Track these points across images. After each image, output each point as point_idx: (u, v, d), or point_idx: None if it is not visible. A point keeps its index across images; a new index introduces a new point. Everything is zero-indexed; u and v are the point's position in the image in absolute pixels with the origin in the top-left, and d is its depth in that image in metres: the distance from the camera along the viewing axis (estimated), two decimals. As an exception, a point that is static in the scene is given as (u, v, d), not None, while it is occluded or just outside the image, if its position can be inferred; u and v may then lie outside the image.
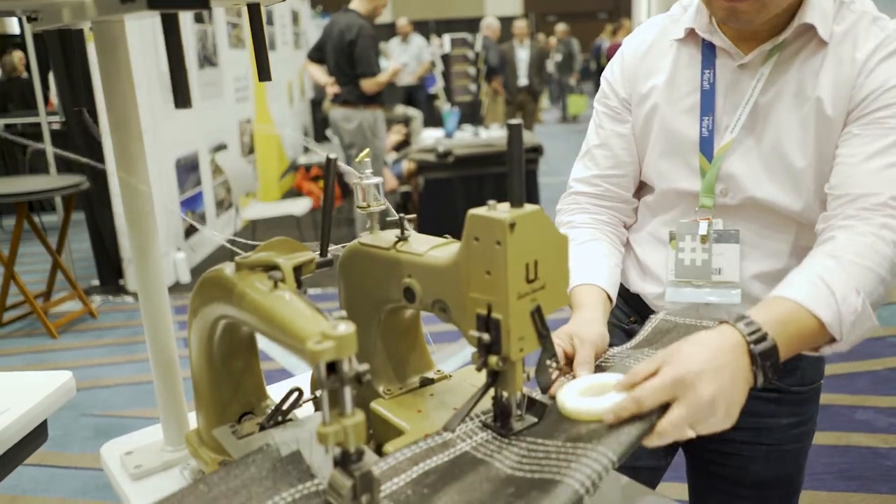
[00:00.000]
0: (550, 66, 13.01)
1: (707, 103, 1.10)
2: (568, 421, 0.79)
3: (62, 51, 1.05)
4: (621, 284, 1.29)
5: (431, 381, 0.97)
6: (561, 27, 13.48)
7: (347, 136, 4.94)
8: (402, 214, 0.88)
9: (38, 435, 1.22)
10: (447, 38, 6.47)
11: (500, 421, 0.80)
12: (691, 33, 1.12)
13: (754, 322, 0.82)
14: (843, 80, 1.00)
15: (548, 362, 0.83)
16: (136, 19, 0.93)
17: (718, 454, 1.23)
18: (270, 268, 0.81)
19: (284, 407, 0.90)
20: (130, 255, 1.07)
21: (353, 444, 0.62)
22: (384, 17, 5.38)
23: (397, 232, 0.88)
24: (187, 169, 5.26)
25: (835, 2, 1.03)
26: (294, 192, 7.43)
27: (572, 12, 19.33)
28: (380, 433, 0.91)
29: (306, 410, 0.99)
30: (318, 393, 0.96)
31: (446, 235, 0.87)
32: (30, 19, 0.97)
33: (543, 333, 0.77)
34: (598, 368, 0.94)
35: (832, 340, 0.88)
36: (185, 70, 0.76)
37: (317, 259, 0.86)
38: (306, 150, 8.05)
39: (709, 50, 1.11)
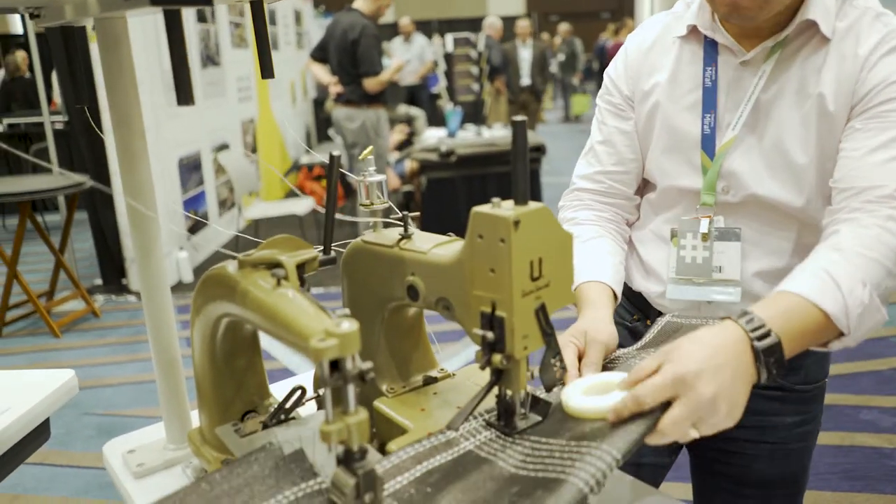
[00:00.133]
0: (554, 67, 13.00)
1: (709, 100, 1.10)
2: (572, 419, 0.79)
3: (65, 49, 1.05)
4: (624, 283, 1.28)
5: (435, 380, 0.97)
6: (564, 27, 13.47)
7: (350, 135, 4.94)
8: (405, 212, 0.88)
9: (40, 433, 1.22)
10: (450, 37, 6.47)
11: (504, 419, 0.80)
12: (694, 30, 1.12)
13: (757, 318, 0.81)
14: (845, 75, 1.00)
15: (552, 361, 0.83)
16: (139, 16, 0.92)
17: (723, 453, 1.23)
18: (273, 265, 0.80)
19: (287, 405, 0.90)
20: (133, 255, 1.07)
21: (356, 442, 0.62)
22: (386, 17, 5.37)
23: (401, 230, 0.88)
24: (190, 168, 5.26)
25: None
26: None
27: (575, 12, 19.32)
28: (383, 432, 0.91)
29: (309, 409, 0.99)
30: (321, 391, 0.96)
31: (450, 234, 0.87)
32: (32, 16, 0.97)
33: (548, 331, 0.76)
34: (604, 368, 0.93)
35: (840, 335, 0.87)
36: (188, 67, 0.75)
37: (320, 257, 0.86)
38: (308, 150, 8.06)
39: (711, 47, 1.10)
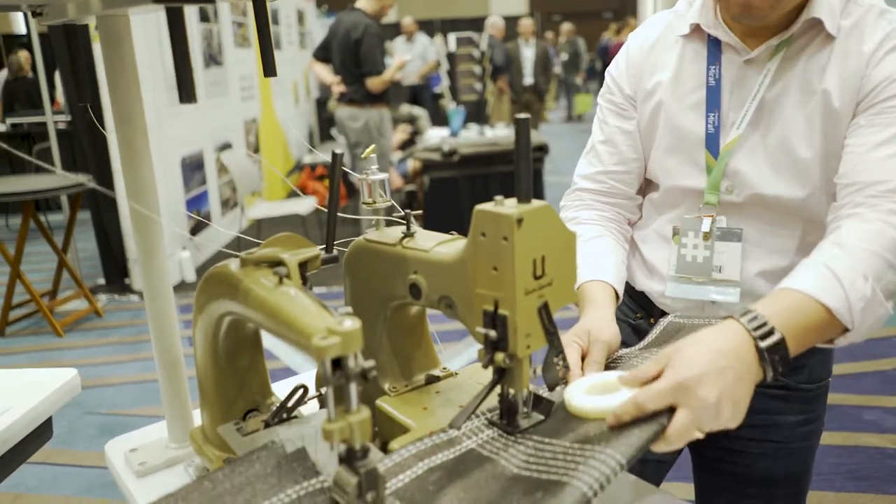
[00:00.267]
0: (557, 66, 13.00)
1: (713, 99, 1.09)
2: (574, 419, 0.78)
3: (67, 47, 1.05)
4: (627, 282, 1.28)
5: (437, 379, 0.97)
6: (567, 26, 13.46)
7: (353, 135, 4.94)
8: (407, 210, 0.88)
9: (42, 432, 1.22)
10: (452, 37, 6.47)
11: (507, 418, 0.79)
12: (696, 29, 1.12)
13: (760, 316, 0.81)
14: (849, 72, 1.00)
15: (555, 359, 0.83)
16: (141, 14, 0.92)
17: (725, 451, 1.22)
18: (275, 264, 0.80)
19: (289, 404, 0.90)
20: (136, 255, 1.07)
21: (359, 441, 0.62)
22: (388, 17, 5.37)
23: (403, 228, 0.87)
24: (192, 168, 5.27)
25: None
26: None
27: (577, 11, 19.30)
28: (385, 431, 0.90)
29: (311, 408, 0.98)
30: (323, 390, 0.96)
31: (452, 232, 0.86)
32: (35, 14, 0.97)
33: (551, 330, 0.76)
34: (607, 368, 0.93)
35: (846, 330, 0.86)
36: (190, 65, 0.75)
37: (322, 255, 0.86)
38: (311, 149, 8.06)
39: (714, 46, 1.10)
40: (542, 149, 5.44)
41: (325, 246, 0.88)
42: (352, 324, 0.59)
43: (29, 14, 1.01)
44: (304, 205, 5.36)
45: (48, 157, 5.25)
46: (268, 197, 6.79)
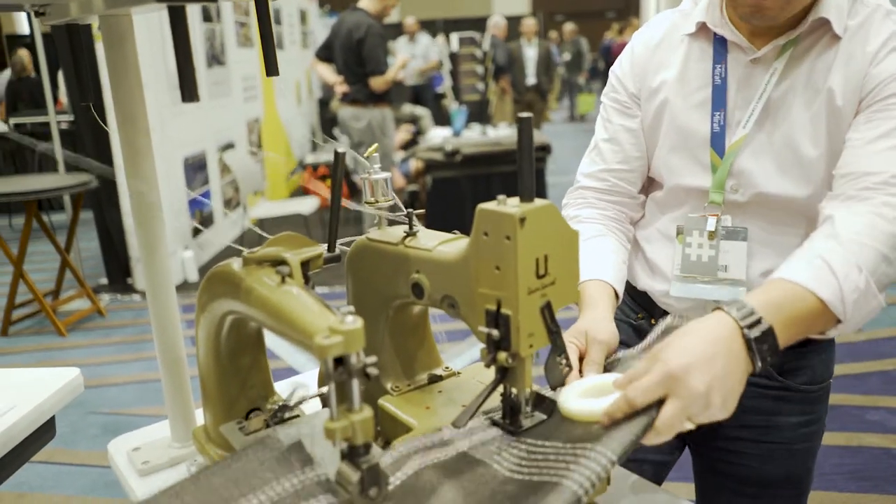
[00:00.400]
0: (562, 67, 13.01)
1: (718, 98, 1.09)
2: (568, 422, 0.78)
3: (70, 47, 1.05)
4: (629, 281, 1.28)
5: (440, 378, 0.97)
6: (569, 26, 13.46)
7: (356, 134, 4.94)
8: (410, 209, 0.87)
9: (45, 431, 1.22)
10: (455, 36, 6.47)
11: (510, 418, 0.79)
12: (702, 28, 1.11)
13: (747, 306, 0.80)
14: (853, 72, 1.00)
15: (557, 359, 0.83)
16: (144, 13, 0.92)
17: (726, 453, 1.22)
18: (278, 263, 0.80)
19: (291, 404, 0.90)
20: (138, 254, 1.07)
21: (361, 439, 0.62)
22: (391, 17, 5.38)
23: (406, 227, 0.87)
24: (195, 168, 5.27)
25: None
26: (302, 191, 7.45)
27: (580, 11, 19.29)
28: (388, 430, 0.90)
29: (314, 407, 0.98)
30: (323, 390, 0.96)
31: (455, 231, 0.86)
32: (38, 14, 0.97)
33: (553, 329, 0.76)
34: (605, 370, 0.93)
35: (837, 322, 0.86)
36: (193, 64, 0.75)
37: (325, 254, 0.86)
38: (314, 149, 8.07)
39: (720, 44, 1.10)
40: (545, 149, 5.44)
41: (327, 245, 0.88)
42: (354, 322, 0.59)
43: (32, 14, 1.01)
44: (307, 204, 5.37)
45: (51, 157, 5.25)
46: (270, 196, 6.80)
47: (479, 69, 6.33)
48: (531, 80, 9.44)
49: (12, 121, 7.06)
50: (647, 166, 1.21)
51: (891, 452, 2.58)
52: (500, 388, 0.79)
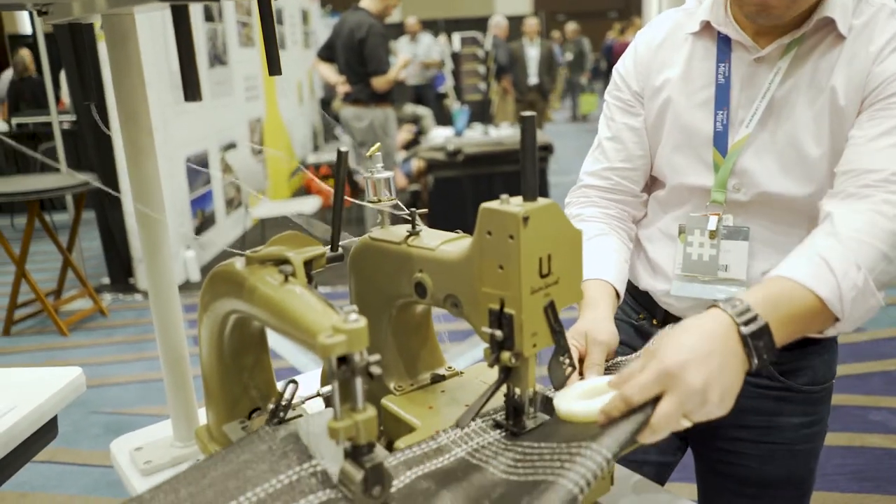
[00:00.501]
0: (564, 66, 13.00)
1: (722, 97, 1.09)
2: (564, 423, 0.78)
3: (73, 46, 1.05)
4: (630, 281, 1.28)
5: (443, 378, 0.96)
6: (571, 26, 13.45)
7: (359, 134, 4.94)
8: (413, 209, 0.87)
9: (47, 431, 1.22)
10: (457, 36, 6.47)
11: (513, 418, 0.79)
12: (707, 26, 1.11)
13: (743, 302, 0.80)
14: (856, 71, 0.99)
15: (561, 358, 0.82)
16: (146, 12, 0.92)
17: (728, 453, 1.22)
18: (281, 262, 0.80)
19: (283, 402, 0.89)
20: (141, 254, 1.07)
21: (364, 439, 0.62)
22: (392, 16, 5.38)
23: (408, 227, 0.87)
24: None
25: None
26: (304, 191, 7.46)
27: (582, 11, 19.27)
28: (391, 430, 0.90)
29: (317, 406, 0.98)
30: (322, 390, 0.96)
31: (458, 230, 0.86)
32: (40, 13, 0.97)
33: (557, 329, 0.76)
34: (607, 372, 0.92)
35: (835, 320, 0.85)
36: (196, 63, 0.75)
37: (327, 253, 0.86)
38: (316, 149, 8.07)
39: (724, 43, 1.09)
40: (547, 148, 5.44)
41: (330, 245, 0.88)
42: (357, 322, 0.59)
43: (34, 13, 1.01)
44: (309, 204, 5.37)
45: (53, 156, 5.26)
46: (272, 196, 6.80)
47: (481, 69, 6.33)
48: (533, 79, 9.43)
49: (14, 121, 7.07)
50: (650, 165, 1.21)
51: (893, 453, 2.58)
52: (504, 389, 0.79)
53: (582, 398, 0.79)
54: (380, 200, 0.91)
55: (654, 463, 1.27)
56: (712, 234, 1.12)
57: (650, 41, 1.18)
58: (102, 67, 4.04)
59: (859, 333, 3.49)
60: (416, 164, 5.67)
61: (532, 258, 0.71)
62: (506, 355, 0.74)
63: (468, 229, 0.76)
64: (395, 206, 0.93)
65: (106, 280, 4.99)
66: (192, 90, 0.73)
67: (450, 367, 0.99)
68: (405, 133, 7.00)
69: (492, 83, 6.57)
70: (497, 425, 0.80)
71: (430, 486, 0.70)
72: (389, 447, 0.87)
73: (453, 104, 6.35)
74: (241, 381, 0.95)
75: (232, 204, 5.98)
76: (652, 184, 1.25)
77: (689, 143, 1.13)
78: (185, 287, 4.72)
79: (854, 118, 1.00)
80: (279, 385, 1.02)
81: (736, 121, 1.09)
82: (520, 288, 0.71)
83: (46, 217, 4.27)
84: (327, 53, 5.04)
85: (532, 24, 9.65)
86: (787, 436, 1.18)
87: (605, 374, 0.91)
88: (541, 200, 0.72)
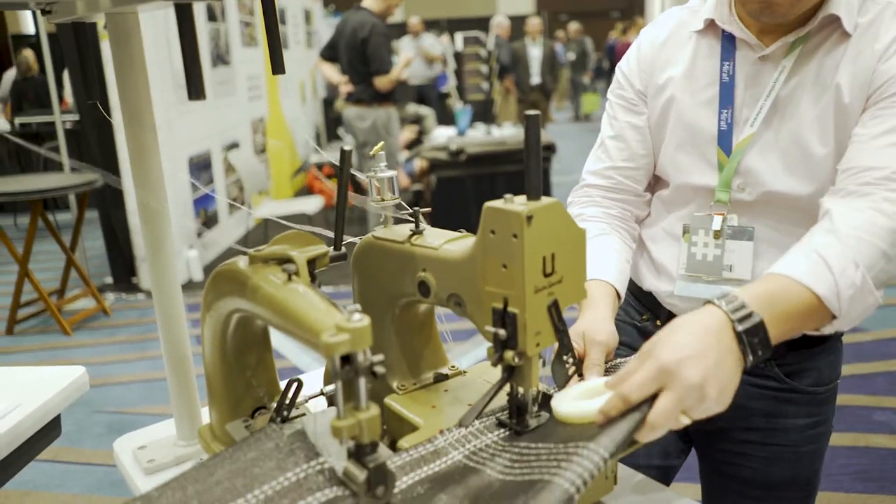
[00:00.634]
0: (566, 68, 13.01)
1: (726, 96, 1.09)
2: (562, 425, 0.77)
3: (76, 45, 1.05)
4: (634, 282, 1.27)
5: (446, 377, 0.96)
6: (574, 26, 13.45)
7: (361, 134, 4.94)
8: (416, 208, 0.87)
9: (51, 430, 1.22)
10: (459, 36, 6.47)
11: (516, 417, 0.79)
12: (711, 24, 1.11)
13: (737, 299, 0.79)
14: (861, 69, 0.99)
15: (564, 357, 0.82)
16: (150, 11, 0.92)
17: (733, 455, 1.21)
18: (284, 261, 0.80)
19: (287, 400, 0.89)
20: (144, 253, 1.07)
21: (368, 438, 0.62)
22: (395, 16, 5.39)
23: (412, 226, 0.87)
24: (200, 167, 5.28)
25: None
26: (306, 191, 7.46)
27: (585, 11, 19.26)
28: (394, 429, 0.90)
29: (320, 405, 0.98)
30: (326, 389, 0.96)
31: (461, 230, 0.86)
32: (44, 12, 0.97)
33: (560, 328, 0.75)
34: (606, 372, 0.92)
35: (833, 318, 0.85)
36: (199, 61, 0.75)
37: (330, 252, 0.86)
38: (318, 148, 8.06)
39: (728, 41, 1.09)
40: (550, 148, 5.43)
41: (333, 244, 0.88)
42: (361, 320, 0.59)
43: (38, 13, 1.01)
44: (311, 204, 5.37)
45: (57, 156, 5.27)
46: (275, 196, 6.80)
47: (484, 69, 6.33)
48: (536, 79, 9.43)
49: (17, 120, 7.08)
50: (653, 164, 1.21)
51: (897, 453, 2.57)
52: (507, 388, 0.78)
53: (579, 399, 0.79)
54: (383, 200, 0.91)
55: (657, 467, 1.27)
56: (717, 234, 1.12)
57: (654, 39, 1.18)
58: (105, 67, 4.05)
59: (863, 334, 3.48)
60: (418, 164, 5.67)
61: (536, 257, 0.71)
62: (509, 354, 0.74)
63: (471, 230, 0.75)
64: (398, 206, 0.93)
65: (109, 279, 4.99)
66: (195, 88, 0.73)
67: (453, 367, 0.98)
68: (408, 133, 7.00)
69: (494, 83, 6.57)
70: (500, 424, 0.80)
71: (426, 489, 0.70)
72: (393, 446, 0.87)
73: (456, 104, 6.35)
74: (244, 380, 0.95)
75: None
76: (655, 183, 1.24)
77: (692, 141, 1.13)
78: (188, 286, 4.73)
79: (858, 116, 0.99)
80: (283, 385, 1.02)
81: (740, 120, 1.09)
82: (523, 287, 0.71)
83: (49, 216, 4.27)
84: (330, 53, 5.04)
85: (534, 23, 9.65)
86: (792, 437, 1.17)
87: (605, 374, 0.91)
88: (544, 199, 0.71)
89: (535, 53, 9.43)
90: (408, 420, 0.87)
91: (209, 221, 5.48)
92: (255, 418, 0.96)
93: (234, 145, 5.90)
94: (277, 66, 0.96)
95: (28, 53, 7.61)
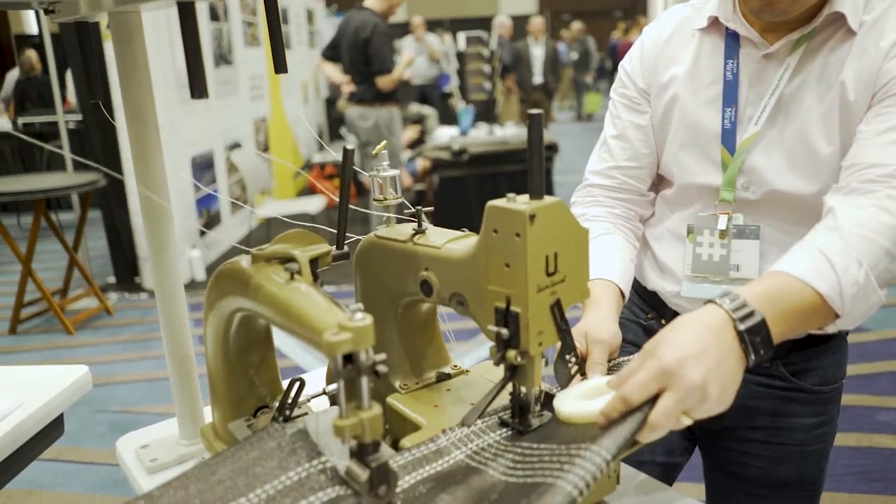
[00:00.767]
0: (569, 68, 13.00)
1: (730, 94, 1.08)
2: (564, 425, 0.77)
3: (79, 44, 1.05)
4: (638, 281, 1.27)
5: (448, 376, 0.96)
6: (576, 25, 13.44)
7: (364, 134, 4.95)
8: (418, 207, 0.87)
9: (54, 429, 1.23)
10: (462, 35, 6.47)
11: (519, 417, 0.79)
12: (714, 22, 1.10)
13: (739, 297, 0.79)
14: (866, 66, 0.98)
15: (567, 357, 0.82)
16: (153, 10, 0.92)
17: (737, 454, 1.21)
18: (286, 260, 0.80)
19: (289, 399, 0.89)
20: (146, 253, 1.07)
21: (370, 437, 0.61)
22: (398, 16, 5.38)
23: (414, 225, 0.87)
24: (202, 167, 5.28)
25: None
26: (309, 191, 7.46)
27: (587, 10, 19.23)
28: (396, 428, 0.90)
29: (323, 406, 0.98)
30: (328, 388, 0.95)
31: (464, 229, 0.86)
32: (47, 12, 0.98)
33: (563, 327, 0.75)
34: (610, 371, 0.92)
35: (836, 316, 0.84)
36: (202, 60, 0.75)
37: (333, 252, 0.85)
38: (321, 148, 8.08)
39: (732, 39, 1.08)
40: (552, 148, 5.43)
41: (336, 243, 0.88)
42: (363, 319, 0.59)
43: (41, 12, 1.02)
44: (314, 204, 5.37)
45: (59, 156, 5.28)
46: (277, 196, 6.81)
47: (487, 68, 6.32)
48: (538, 79, 9.42)
49: (21, 120, 7.09)
50: (656, 163, 1.20)
51: (901, 453, 2.56)
52: (509, 387, 0.78)
53: (582, 399, 0.79)
54: (386, 199, 0.91)
55: (661, 464, 1.27)
56: (722, 234, 1.11)
57: (657, 37, 1.17)
58: (108, 67, 4.06)
59: (867, 334, 3.47)
60: (421, 164, 5.67)
61: (538, 256, 0.71)
62: (512, 354, 0.74)
63: (473, 229, 0.75)
64: (401, 205, 0.93)
65: (112, 279, 5.00)
66: (198, 87, 0.73)
67: (455, 366, 0.98)
68: (410, 132, 7.00)
69: (497, 83, 6.56)
70: (503, 424, 0.80)
71: (428, 489, 0.70)
72: (395, 446, 0.87)
73: (458, 103, 6.35)
74: (247, 379, 0.95)
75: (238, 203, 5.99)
76: (659, 182, 1.24)
77: (696, 140, 1.12)
78: (191, 286, 4.73)
79: (863, 114, 0.99)
80: (285, 384, 1.02)
81: (744, 118, 1.08)
82: (526, 286, 0.70)
83: (52, 216, 4.28)
84: (332, 53, 5.04)
85: (537, 23, 9.64)
86: (798, 436, 1.17)
87: (608, 373, 0.91)
88: (547, 198, 0.71)
89: (537, 53, 9.42)
90: (410, 419, 0.87)
91: (212, 221, 5.48)
92: (258, 417, 0.96)
93: (236, 145, 5.91)
94: (280, 66, 0.96)
95: (31, 53, 7.62)
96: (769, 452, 1.18)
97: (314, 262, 0.82)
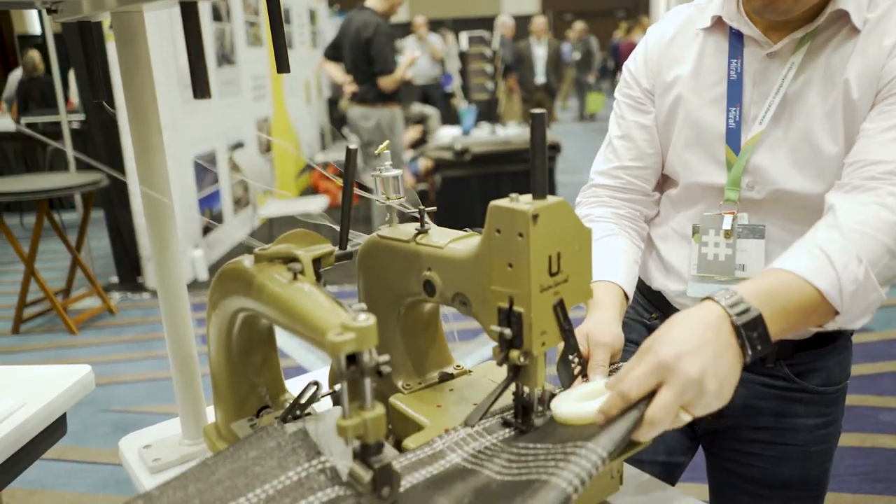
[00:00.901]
0: (571, 68, 13.00)
1: (734, 93, 1.08)
2: (562, 425, 0.77)
3: (82, 44, 1.05)
4: (643, 281, 1.27)
5: (451, 377, 0.96)
6: (579, 25, 13.43)
7: (366, 134, 4.95)
8: (421, 207, 0.87)
9: (57, 428, 1.23)
10: (464, 35, 6.47)
11: (522, 417, 0.79)
12: (718, 22, 1.10)
13: (736, 294, 0.79)
14: (869, 65, 0.98)
15: (570, 357, 0.82)
16: (155, 10, 0.92)
17: (741, 454, 1.21)
18: (289, 260, 0.80)
19: (303, 401, 0.89)
20: (149, 253, 1.07)
21: (373, 437, 0.61)
22: (400, 16, 5.39)
23: (417, 225, 0.87)
24: (204, 167, 5.28)
25: None
26: (311, 190, 7.47)
27: (589, 10, 19.22)
28: (399, 428, 0.90)
29: (325, 406, 0.98)
30: (337, 387, 0.95)
31: (466, 229, 0.86)
32: (50, 11, 0.98)
33: (566, 328, 0.75)
34: (611, 374, 0.91)
35: (835, 314, 0.84)
36: (204, 60, 0.75)
37: (336, 252, 0.85)
38: (323, 148, 8.08)
39: (736, 39, 1.08)
40: (555, 147, 5.43)
41: (339, 243, 0.88)
42: (366, 319, 0.59)
43: (44, 12, 1.02)
44: (316, 203, 5.38)
45: (62, 156, 5.29)
46: (280, 196, 6.81)
47: (489, 68, 6.33)
48: (540, 78, 9.42)
49: (24, 120, 7.10)
50: (661, 163, 1.20)
51: (904, 453, 2.56)
52: (512, 387, 0.78)
53: (580, 401, 0.79)
54: (389, 198, 0.91)
55: (661, 463, 1.26)
56: (727, 234, 1.11)
57: (661, 37, 1.17)
58: (111, 67, 4.06)
59: (870, 334, 3.47)
60: (423, 164, 5.67)
61: (541, 256, 0.71)
62: (515, 354, 0.74)
63: (476, 229, 0.75)
64: (403, 205, 0.93)
65: (114, 279, 5.01)
66: (201, 87, 0.73)
67: (458, 366, 0.98)
68: (413, 132, 7.00)
69: (499, 82, 6.57)
70: (505, 424, 0.80)
71: (423, 491, 0.70)
72: (398, 446, 0.87)
73: (461, 103, 6.35)
74: (250, 379, 0.95)
75: (240, 203, 5.99)
76: (664, 182, 1.24)
77: (700, 140, 1.12)
78: (194, 286, 4.74)
79: (867, 112, 0.99)
80: (289, 384, 1.02)
81: (748, 117, 1.08)
82: (529, 286, 0.70)
83: (55, 216, 4.29)
84: (334, 53, 5.04)
85: (539, 23, 9.64)
86: (801, 437, 1.17)
87: (610, 376, 0.90)
88: (550, 198, 0.71)
89: (539, 53, 9.42)
90: (413, 419, 0.87)
91: (214, 221, 5.49)
92: (261, 417, 0.96)
93: (239, 145, 5.91)
94: (282, 66, 0.96)
95: (34, 53, 7.63)
96: (773, 453, 1.18)
97: (317, 261, 0.82)
